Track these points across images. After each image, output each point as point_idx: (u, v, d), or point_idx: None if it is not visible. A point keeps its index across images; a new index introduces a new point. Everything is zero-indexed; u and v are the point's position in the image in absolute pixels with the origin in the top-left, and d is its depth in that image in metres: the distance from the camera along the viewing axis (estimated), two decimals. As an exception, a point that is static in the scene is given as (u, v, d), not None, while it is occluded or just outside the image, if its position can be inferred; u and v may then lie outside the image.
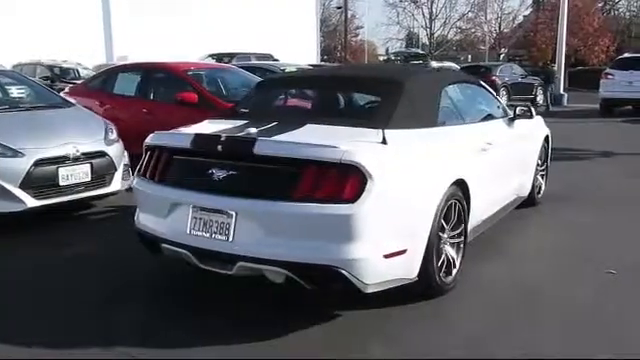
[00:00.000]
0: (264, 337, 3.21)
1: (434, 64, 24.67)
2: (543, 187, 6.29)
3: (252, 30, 25.57)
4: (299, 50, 26.37)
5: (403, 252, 3.31)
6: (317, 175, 3.12)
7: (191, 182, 3.49)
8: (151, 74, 8.21)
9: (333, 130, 3.60)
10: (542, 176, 6.23)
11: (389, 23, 59.05)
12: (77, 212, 5.90)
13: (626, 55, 19.32)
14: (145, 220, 3.78)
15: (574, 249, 4.77)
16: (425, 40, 57.47)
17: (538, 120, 5.98)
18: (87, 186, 5.67)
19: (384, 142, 3.30)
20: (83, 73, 17.15)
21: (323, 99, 4.51)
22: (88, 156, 5.67)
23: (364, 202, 3.06)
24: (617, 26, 41.08)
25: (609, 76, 17.21)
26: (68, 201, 5.55)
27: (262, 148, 3.23)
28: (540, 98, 21.44)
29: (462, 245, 3.95)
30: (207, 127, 3.83)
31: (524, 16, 55.79)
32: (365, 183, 3.07)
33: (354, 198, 3.07)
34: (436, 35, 55.33)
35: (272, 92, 4.67)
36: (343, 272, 3.09)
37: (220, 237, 3.29)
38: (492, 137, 4.56)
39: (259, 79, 9.03)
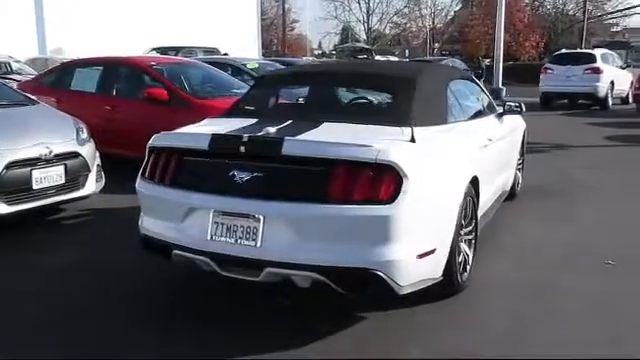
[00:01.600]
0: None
1: (379, 58, 24.90)
2: (520, 180, 6.43)
3: (193, 23, 24.92)
4: (240, 44, 25.92)
5: (433, 252, 3.26)
6: (351, 175, 3.02)
7: (210, 185, 3.30)
8: (112, 69, 7.80)
9: (354, 128, 3.50)
10: (519, 170, 6.36)
11: (327, 17, 59.42)
12: (48, 217, 5.54)
13: (564, 51, 20.13)
14: (153, 225, 3.56)
15: (568, 242, 4.88)
16: (362, 35, 58.08)
17: (516, 115, 6.09)
18: (61, 189, 5.33)
19: (413, 140, 3.24)
20: (15, 67, 16.17)
21: (333, 96, 4.38)
22: (61, 157, 5.32)
23: (401, 202, 2.99)
24: (545, 23, 42.85)
25: (549, 71, 17.89)
26: (41, 206, 5.20)
27: (291, 148, 3.09)
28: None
29: (474, 241, 3.96)
30: (217, 127, 3.64)
31: (455, 12, 57.41)
32: (401, 183, 3.00)
33: (391, 199, 2.99)
34: (373, 30, 56.05)
35: (277, 89, 4.49)
36: (380, 274, 3.01)
37: (247, 242, 3.14)
38: (491, 133, 4.60)
39: (227, 75, 8.85)
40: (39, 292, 3.85)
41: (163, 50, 18.33)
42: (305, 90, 4.59)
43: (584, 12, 40.59)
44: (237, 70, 10.39)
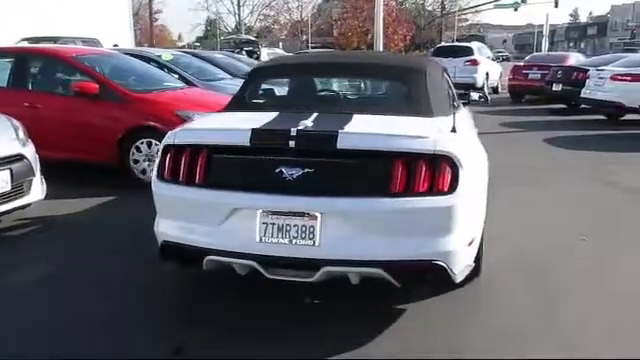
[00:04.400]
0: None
1: (265, 50, 24.74)
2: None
3: (62, 12, 22.96)
4: (113, 34, 24.37)
5: (475, 238, 3.33)
6: (409, 168, 2.98)
7: (255, 183, 3.09)
8: (28, 61, 6.99)
9: (387, 120, 3.45)
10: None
11: (196, 8, 57.94)
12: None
13: (443, 44, 21.42)
14: (178, 231, 3.26)
15: (541, 222, 5.21)
16: (231, 26, 57.35)
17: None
18: (7, 197, 4.70)
19: (454, 130, 3.28)
20: None
21: (347, 87, 4.28)
22: (6, 161, 4.70)
23: (460, 192, 3.01)
24: (409, 17, 45.21)
25: (433, 63, 18.86)
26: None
27: (347, 142, 2.98)
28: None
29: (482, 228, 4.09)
30: (241, 122, 3.40)
31: (319, 4, 58.70)
32: (457, 173, 3.02)
33: (451, 189, 2.99)
34: (245, 21, 55.54)
35: (281, 80, 4.28)
36: (442, 264, 3.01)
37: (303, 242, 2.98)
38: (472, 122, 4.78)
39: (155, 68, 8.29)
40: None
41: (36, 40, 16.69)
42: (311, 81, 4.43)
43: (442, 9, 43.51)
44: (150, 62, 9.76)
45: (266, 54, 22.71)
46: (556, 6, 44.83)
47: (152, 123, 6.29)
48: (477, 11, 48.73)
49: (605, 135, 10.83)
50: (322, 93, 4.44)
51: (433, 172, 2.99)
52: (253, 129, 3.11)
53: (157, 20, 59.24)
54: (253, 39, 28.71)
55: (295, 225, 3.00)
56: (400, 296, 3.48)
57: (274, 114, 3.48)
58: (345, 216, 2.98)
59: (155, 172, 3.36)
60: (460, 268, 3.18)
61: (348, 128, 3.12)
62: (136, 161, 6.38)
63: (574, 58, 17.51)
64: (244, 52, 21.99)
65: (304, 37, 56.10)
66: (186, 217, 3.24)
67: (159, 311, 3.51)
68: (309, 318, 3.37)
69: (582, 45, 74.42)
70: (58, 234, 4.93)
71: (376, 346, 3.05)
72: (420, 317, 3.38)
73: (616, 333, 3.20)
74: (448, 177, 3.00)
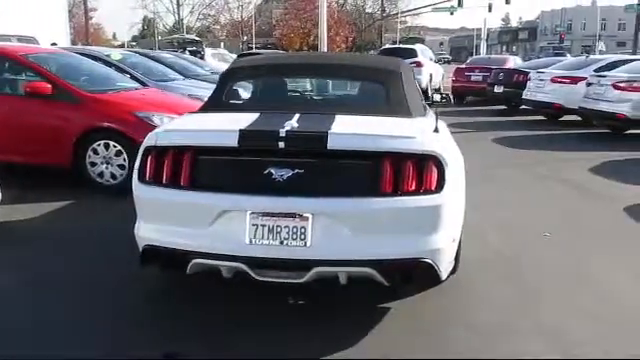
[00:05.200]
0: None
1: (209, 51, 24.38)
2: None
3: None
4: (49, 32, 23.43)
5: (456, 236, 3.41)
6: (398, 167, 3.02)
7: (244, 185, 3.05)
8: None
9: (369, 120, 3.48)
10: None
11: (135, 7, 56.59)
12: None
13: (387, 46, 21.73)
14: (162, 234, 3.17)
15: (503, 219, 5.39)
16: (170, 25, 56.26)
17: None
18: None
19: (436, 130, 3.35)
20: None
21: (324, 88, 4.26)
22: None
23: (446, 191, 3.07)
24: (350, 19, 45.71)
25: (377, 64, 19.13)
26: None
27: (336, 142, 3.00)
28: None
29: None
30: (223, 123, 3.35)
31: (258, 5, 58.48)
32: (444, 172, 3.09)
33: (438, 188, 3.05)
34: (185, 21, 54.57)
35: (257, 81, 4.22)
36: (430, 262, 3.06)
37: (294, 243, 2.97)
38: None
39: (107, 67, 8.03)
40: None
41: (-33, 38, 15.83)
42: (289, 82, 4.40)
43: (382, 11, 44.20)
44: (98, 61, 9.44)
45: (210, 54, 22.40)
46: (490, 11, 46.51)
47: (110, 124, 6.11)
48: (416, 14, 49.86)
49: (548, 135, 11.31)
50: (300, 94, 4.44)
51: (420, 171, 3.05)
52: (240, 130, 3.07)
53: (92, 18, 57.47)
54: (197, 39, 28.27)
55: (286, 226, 2.98)
56: (384, 294, 3.53)
57: (255, 115, 3.44)
58: (336, 216, 2.99)
59: (136, 174, 3.26)
60: (445, 265, 3.25)
61: (336, 128, 3.13)
62: (93, 164, 6.16)
63: (513, 61, 18.20)
64: (187, 52, 21.61)
65: (245, 38, 55.73)
66: (171, 220, 3.16)
67: (146, 315, 3.41)
68: (295, 319, 3.37)
69: (514, 48, 77.39)
70: (20, 240, 4.70)
71: (365, 345, 3.08)
72: (405, 314, 3.43)
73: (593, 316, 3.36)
74: (435, 176, 3.06)
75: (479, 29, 73.12)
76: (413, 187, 3.03)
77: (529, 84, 13.18)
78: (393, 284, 3.21)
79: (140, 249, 3.27)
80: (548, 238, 4.87)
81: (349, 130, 3.17)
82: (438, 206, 3.05)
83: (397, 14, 47.69)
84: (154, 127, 6.06)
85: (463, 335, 3.22)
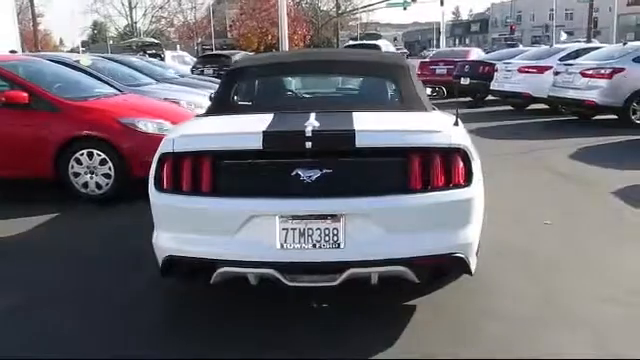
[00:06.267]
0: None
1: (169, 53, 23.93)
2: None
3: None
4: (-1, 40, 22.56)
5: (480, 229, 3.38)
6: (427, 162, 2.97)
7: (271, 188, 2.95)
8: None
9: (388, 116, 3.44)
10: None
11: (85, 11, 55.20)
12: None
13: (351, 42, 21.79)
14: (186, 244, 3.04)
15: (501, 209, 5.40)
16: (121, 29, 55.06)
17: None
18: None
19: (457, 124, 3.31)
20: None
21: (333, 85, 4.16)
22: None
23: (476, 184, 3.06)
24: (306, 17, 45.64)
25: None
26: None
27: (364, 140, 2.92)
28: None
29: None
30: (240, 126, 3.24)
31: (211, 5, 57.81)
32: (471, 165, 3.06)
33: (467, 181, 3.03)
34: (139, 24, 53.43)
35: (266, 80, 4.08)
36: (462, 257, 3.03)
37: (327, 245, 2.89)
38: None
39: (81, 74, 7.74)
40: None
41: None
42: (295, 80, 4.30)
43: (337, 8, 44.29)
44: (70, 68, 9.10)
45: (170, 57, 22.01)
46: (442, 5, 47.15)
47: (93, 132, 5.89)
48: (370, 10, 50.15)
49: (519, 124, 11.50)
50: (309, 92, 4.34)
51: (449, 166, 3.01)
52: (264, 132, 2.97)
53: (40, 24, 55.76)
54: (156, 42, 27.66)
55: (318, 229, 2.90)
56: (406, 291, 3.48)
57: (269, 116, 3.34)
58: (368, 216, 2.93)
59: (152, 183, 3.11)
60: (474, 258, 3.22)
61: (362, 126, 3.06)
62: (76, 174, 5.93)
63: (476, 53, 18.48)
64: (147, 55, 21.14)
65: (199, 39, 55.02)
66: (194, 229, 3.03)
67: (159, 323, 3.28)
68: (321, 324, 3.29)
69: (467, 41, 78.82)
70: (12, 256, 4.47)
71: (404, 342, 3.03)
72: (427, 309, 3.40)
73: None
74: (464, 170, 3.03)
75: (431, 23, 74.14)
76: (443, 182, 2.99)
77: (496, 75, 13.39)
78: (423, 281, 3.17)
79: (160, 260, 3.14)
80: (549, 226, 4.91)
81: (375, 127, 3.10)
82: (469, 200, 3.03)
83: (352, 11, 47.93)
84: (140, 133, 5.94)
85: (497, 326, 3.20)
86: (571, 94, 10.76)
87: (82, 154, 5.89)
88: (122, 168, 5.87)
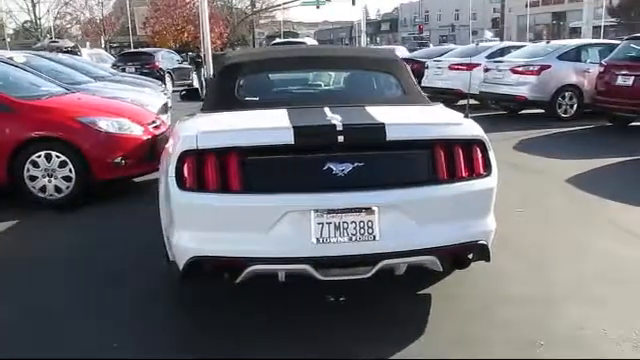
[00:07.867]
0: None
1: (85, 51, 22.79)
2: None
3: None
4: None
5: (493, 217, 3.51)
6: (450, 154, 3.05)
7: (304, 183, 2.91)
8: None
9: (399, 110, 3.50)
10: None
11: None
12: None
13: (278, 40, 21.71)
14: (215, 243, 2.93)
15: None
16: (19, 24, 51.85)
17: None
18: None
19: (467, 116, 3.42)
20: None
21: (337, 80, 4.12)
22: None
23: (495, 173, 3.18)
24: (222, 15, 44.99)
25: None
26: None
27: (394, 133, 2.96)
28: (195, 82, 22.35)
29: None
30: (265, 120, 3.19)
31: (119, 2, 55.70)
32: (488, 156, 3.18)
33: (488, 171, 3.15)
34: (43, 20, 50.29)
35: (270, 76, 3.98)
36: (485, 244, 3.15)
37: (363, 238, 2.90)
38: None
39: (23, 71, 7.24)
40: None
41: None
42: (297, 75, 4.23)
43: (252, 6, 44.00)
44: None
45: (87, 54, 21.06)
46: (353, 4, 48.09)
47: (51, 133, 5.55)
48: (285, 8, 50.21)
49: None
50: (312, 86, 4.30)
51: (471, 156, 3.11)
52: (295, 127, 2.93)
53: None
54: (72, 44, 26.21)
55: (353, 222, 2.91)
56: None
57: (283, 110, 3.30)
58: (402, 207, 2.97)
59: (174, 182, 2.97)
60: (491, 245, 3.35)
61: (388, 119, 3.08)
62: (33, 178, 5.55)
63: (399, 51, 18.99)
64: (61, 52, 20.06)
65: (107, 37, 52.80)
66: (223, 227, 2.94)
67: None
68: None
69: (378, 40, 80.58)
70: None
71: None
72: (442, 295, 3.50)
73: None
74: (484, 160, 3.15)
75: (341, 22, 75.19)
76: (467, 172, 3.08)
77: (427, 72, 13.84)
78: (445, 270, 3.26)
79: (184, 261, 3.00)
80: (522, 213, 5.18)
81: (402, 120, 3.16)
82: (491, 189, 3.15)
83: (268, 9, 47.77)
84: (101, 133, 5.66)
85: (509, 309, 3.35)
86: (502, 90, 11.32)
87: (39, 156, 5.52)
88: (84, 170, 5.57)
